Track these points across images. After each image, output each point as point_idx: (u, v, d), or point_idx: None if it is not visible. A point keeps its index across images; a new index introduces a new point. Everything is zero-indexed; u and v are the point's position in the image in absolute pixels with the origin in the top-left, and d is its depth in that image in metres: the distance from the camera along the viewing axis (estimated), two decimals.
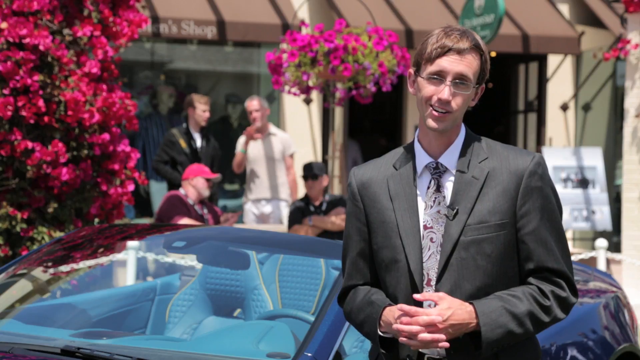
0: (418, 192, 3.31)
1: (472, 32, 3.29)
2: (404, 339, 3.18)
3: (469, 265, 3.23)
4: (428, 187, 3.30)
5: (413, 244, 3.27)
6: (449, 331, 3.15)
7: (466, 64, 3.23)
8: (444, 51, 3.22)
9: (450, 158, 3.30)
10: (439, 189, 3.29)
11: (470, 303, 3.20)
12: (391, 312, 3.24)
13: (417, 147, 3.34)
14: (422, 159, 3.32)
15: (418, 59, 3.29)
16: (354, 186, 3.40)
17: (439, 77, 3.23)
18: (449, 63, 3.22)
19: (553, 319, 3.27)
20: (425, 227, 3.28)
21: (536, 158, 3.29)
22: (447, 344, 3.16)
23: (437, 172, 3.30)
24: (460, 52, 3.22)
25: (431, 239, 3.27)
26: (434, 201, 3.28)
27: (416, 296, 3.20)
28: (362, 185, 3.39)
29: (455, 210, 3.24)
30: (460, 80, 3.23)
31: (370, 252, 3.38)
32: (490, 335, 3.17)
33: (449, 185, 3.29)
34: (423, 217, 3.28)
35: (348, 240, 3.43)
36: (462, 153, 3.30)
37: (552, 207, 3.29)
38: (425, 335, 3.14)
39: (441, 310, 3.15)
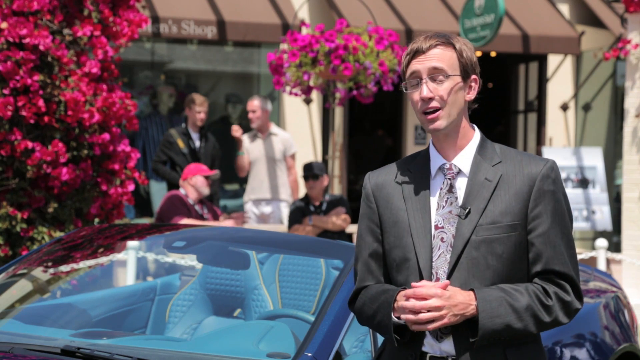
0: (431, 193, 3.35)
1: (443, 34, 3.36)
2: (409, 315, 3.19)
3: (480, 265, 3.26)
4: (441, 188, 3.34)
5: (423, 242, 3.30)
6: (449, 313, 3.18)
7: (436, 58, 3.30)
8: (412, 55, 3.32)
9: (463, 160, 3.35)
10: (451, 189, 3.33)
11: (471, 290, 3.23)
12: (403, 294, 3.26)
13: (432, 151, 3.39)
14: (436, 161, 3.37)
15: (401, 76, 3.40)
16: (369, 188, 3.45)
17: (415, 80, 3.32)
18: (419, 63, 3.31)
19: (554, 321, 3.27)
20: (436, 227, 3.31)
21: (549, 163, 3.33)
22: (445, 321, 3.17)
23: (451, 172, 3.34)
24: (425, 50, 3.31)
25: (442, 239, 3.30)
26: (446, 201, 3.32)
27: (414, 283, 3.23)
28: (377, 187, 3.43)
29: (467, 210, 3.28)
30: (434, 74, 3.29)
31: (383, 253, 3.40)
32: (487, 324, 3.19)
33: (461, 187, 3.33)
34: (434, 217, 3.32)
35: (360, 242, 3.46)
36: (476, 156, 3.34)
37: (562, 212, 3.32)
38: (422, 305, 3.15)
39: (440, 286, 3.18)
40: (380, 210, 3.40)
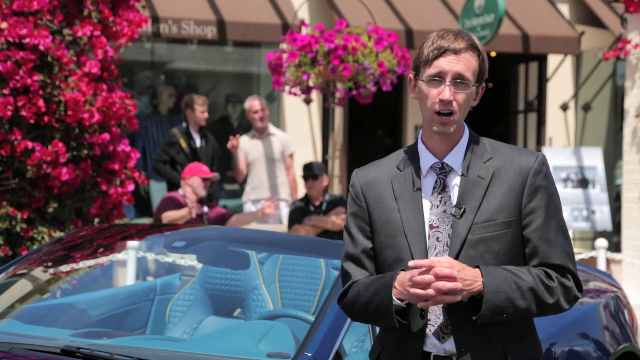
0: (423, 192, 3.33)
1: (467, 33, 3.33)
2: (418, 290, 3.15)
3: (477, 263, 3.25)
4: (434, 187, 3.33)
5: (418, 243, 3.30)
6: (459, 287, 3.16)
7: (464, 64, 3.26)
8: (441, 52, 3.26)
9: (455, 158, 3.33)
10: (444, 188, 3.32)
11: (477, 266, 3.23)
12: (405, 274, 3.23)
13: (421, 148, 3.37)
14: (427, 159, 3.35)
15: (417, 63, 3.32)
16: (357, 186, 3.42)
17: (438, 78, 3.26)
18: (447, 63, 3.26)
19: (556, 303, 3.28)
20: (431, 227, 3.30)
21: (540, 157, 3.34)
22: (459, 297, 3.16)
23: (443, 172, 3.33)
24: (456, 52, 3.26)
25: (437, 239, 3.30)
26: (440, 201, 3.31)
27: (410, 263, 3.20)
28: (366, 185, 3.40)
29: (462, 209, 3.28)
30: (459, 79, 3.26)
31: (373, 250, 3.39)
32: (492, 298, 3.19)
33: (454, 185, 3.32)
34: (429, 216, 3.31)
35: (350, 240, 3.43)
36: (467, 153, 3.34)
37: (555, 205, 3.34)
38: (444, 284, 3.13)
39: (452, 263, 3.16)
40: (370, 209, 3.38)
